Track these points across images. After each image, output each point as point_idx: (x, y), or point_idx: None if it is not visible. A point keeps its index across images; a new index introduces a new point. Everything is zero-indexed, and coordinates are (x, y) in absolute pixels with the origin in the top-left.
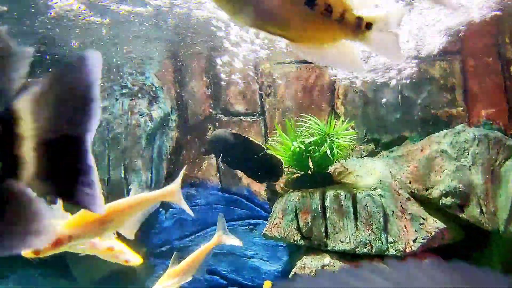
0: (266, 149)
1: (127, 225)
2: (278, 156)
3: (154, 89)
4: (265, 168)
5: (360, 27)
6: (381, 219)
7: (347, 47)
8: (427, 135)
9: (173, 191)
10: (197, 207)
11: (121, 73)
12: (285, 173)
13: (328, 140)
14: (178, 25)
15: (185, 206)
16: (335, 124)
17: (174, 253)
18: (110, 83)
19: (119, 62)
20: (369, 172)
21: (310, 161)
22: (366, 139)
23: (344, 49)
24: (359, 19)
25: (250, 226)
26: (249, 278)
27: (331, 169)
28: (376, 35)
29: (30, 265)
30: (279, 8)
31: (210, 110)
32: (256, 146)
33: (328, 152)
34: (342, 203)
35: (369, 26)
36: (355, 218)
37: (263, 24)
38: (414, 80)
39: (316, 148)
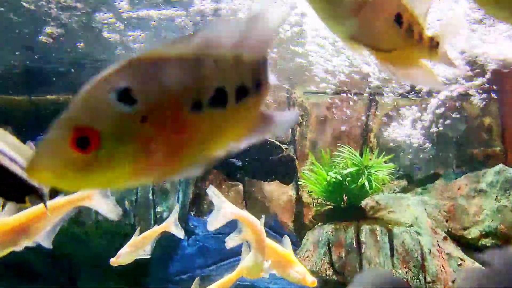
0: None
1: (44, 233)
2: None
3: None
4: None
5: (433, 46)
6: (419, 257)
7: (426, 66)
8: (462, 174)
9: (89, 193)
10: (221, 235)
11: None
12: (314, 204)
13: (366, 172)
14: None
15: (106, 212)
16: (370, 157)
17: (196, 280)
18: None
19: None
20: (403, 209)
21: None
22: (398, 175)
23: (424, 68)
24: (431, 38)
25: None
26: None
27: (363, 203)
28: (441, 52)
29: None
30: (376, 24)
31: None
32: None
33: (366, 184)
34: (378, 238)
35: (437, 44)
36: (392, 255)
37: (361, 39)
38: (450, 118)
39: (352, 179)
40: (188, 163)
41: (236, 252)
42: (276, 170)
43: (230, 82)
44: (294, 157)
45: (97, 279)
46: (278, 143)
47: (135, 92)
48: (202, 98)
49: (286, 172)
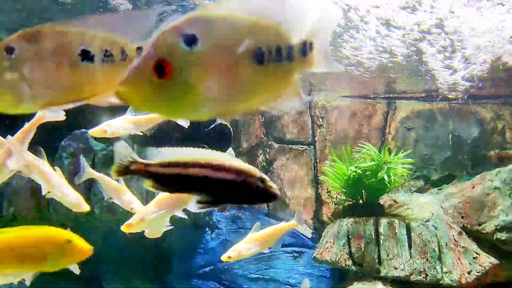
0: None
1: None
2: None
3: None
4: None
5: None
6: (436, 249)
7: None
8: (477, 174)
9: None
10: (242, 230)
11: None
12: (332, 202)
13: (385, 167)
14: None
15: None
16: (388, 155)
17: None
18: None
19: None
20: (420, 206)
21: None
22: (415, 176)
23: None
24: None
25: (294, 254)
26: None
27: (380, 201)
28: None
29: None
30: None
31: (262, 136)
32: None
33: (386, 178)
34: (397, 230)
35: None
36: (410, 246)
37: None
38: (465, 121)
39: (371, 174)
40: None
41: None
42: (213, 141)
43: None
44: (227, 124)
45: (121, 274)
46: None
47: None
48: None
49: (224, 140)
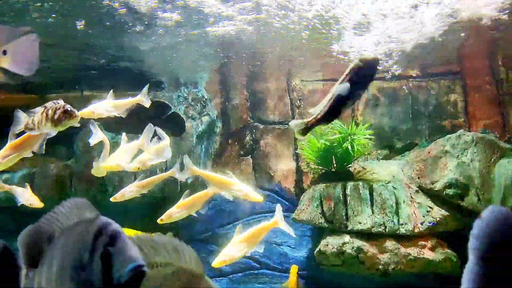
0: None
1: None
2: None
3: (204, 99)
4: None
5: None
6: (393, 205)
7: None
8: (433, 141)
9: None
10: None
11: (180, 84)
12: (311, 173)
13: (350, 138)
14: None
15: None
16: (355, 128)
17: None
18: (170, 92)
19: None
20: (384, 171)
21: (333, 160)
22: (382, 145)
23: None
24: None
25: None
26: (278, 262)
27: (351, 168)
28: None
29: None
30: None
31: (249, 119)
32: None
33: (349, 147)
34: (361, 191)
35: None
36: (372, 204)
37: None
38: (422, 95)
39: (339, 144)
40: None
41: (248, 213)
42: (168, 126)
43: None
44: (179, 113)
45: None
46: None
47: None
48: None
49: (177, 126)
